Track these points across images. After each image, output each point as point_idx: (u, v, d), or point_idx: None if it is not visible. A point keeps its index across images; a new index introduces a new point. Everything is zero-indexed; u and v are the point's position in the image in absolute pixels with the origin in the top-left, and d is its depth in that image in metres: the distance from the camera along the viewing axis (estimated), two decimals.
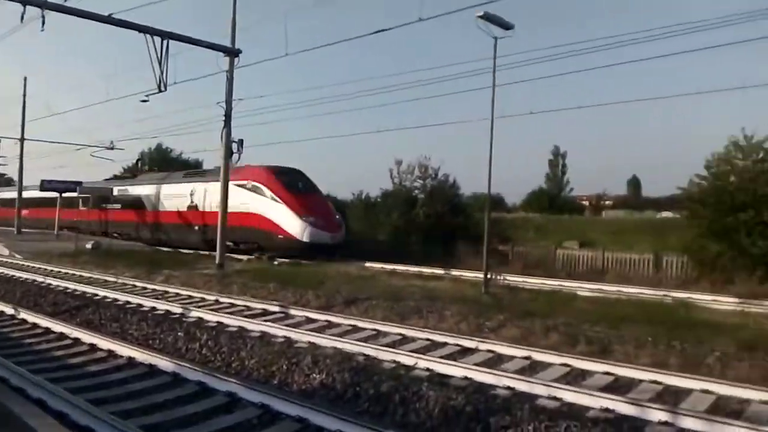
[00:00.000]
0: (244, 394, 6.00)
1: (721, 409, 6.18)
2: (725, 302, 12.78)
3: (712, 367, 7.60)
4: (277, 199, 22.59)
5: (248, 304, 12.02)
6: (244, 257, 22.29)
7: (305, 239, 21.57)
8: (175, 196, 27.68)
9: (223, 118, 18.05)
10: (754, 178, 17.30)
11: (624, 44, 14.94)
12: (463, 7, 13.26)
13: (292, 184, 23.42)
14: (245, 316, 10.64)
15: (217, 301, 12.42)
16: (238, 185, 22.34)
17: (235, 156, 18.63)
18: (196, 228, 25.89)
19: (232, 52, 17.89)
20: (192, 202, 26.34)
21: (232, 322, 10.12)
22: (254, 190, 23.25)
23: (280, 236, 22.10)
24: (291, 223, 21.91)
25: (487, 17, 13.09)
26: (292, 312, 11.18)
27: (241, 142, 18.65)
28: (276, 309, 11.45)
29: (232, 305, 12.04)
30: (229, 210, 19.00)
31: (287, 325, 9.86)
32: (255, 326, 9.74)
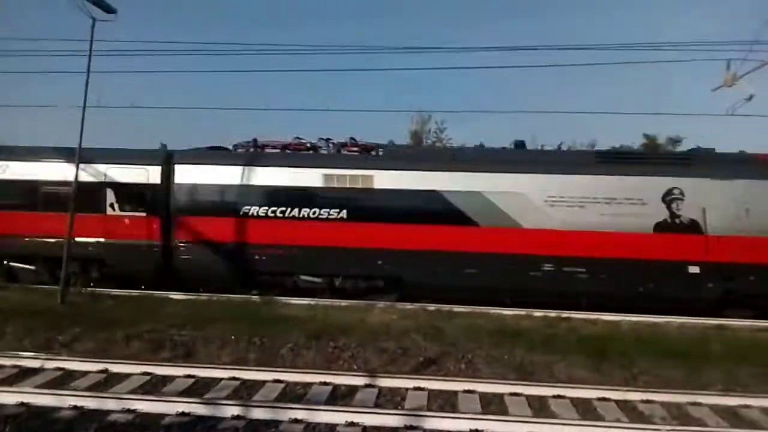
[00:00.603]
0: None
1: (288, 394, 6.81)
2: (302, 298, 14.35)
3: (285, 357, 8.39)
4: None
5: None
6: None
7: None
8: (591, 200, 13.20)
9: None
10: None
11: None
12: None
13: None
14: None
15: None
16: None
17: None
18: (695, 271, 12.97)
19: None
20: (675, 215, 13.17)
21: None
22: None
23: None
24: None
25: None
26: None
27: None
28: None
29: None
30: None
31: None
32: None
